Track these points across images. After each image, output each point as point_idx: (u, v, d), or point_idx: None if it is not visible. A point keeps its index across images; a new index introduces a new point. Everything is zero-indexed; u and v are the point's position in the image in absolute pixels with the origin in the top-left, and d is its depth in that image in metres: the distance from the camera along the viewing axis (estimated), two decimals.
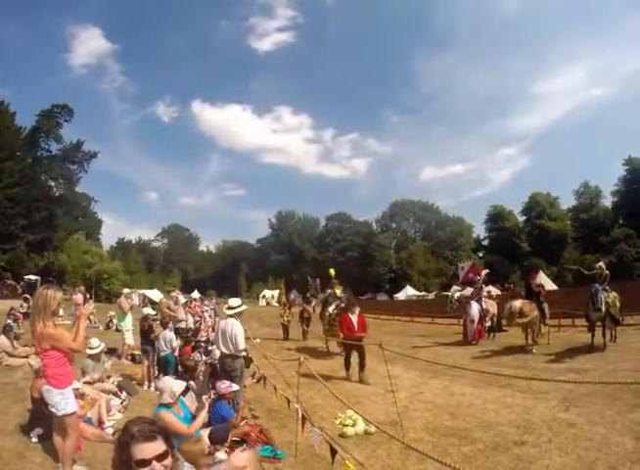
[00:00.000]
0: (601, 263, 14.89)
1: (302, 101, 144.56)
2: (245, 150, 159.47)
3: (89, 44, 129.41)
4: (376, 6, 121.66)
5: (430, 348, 16.89)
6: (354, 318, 11.96)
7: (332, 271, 18.36)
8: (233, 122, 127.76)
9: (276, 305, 62.94)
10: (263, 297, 68.95)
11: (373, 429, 6.78)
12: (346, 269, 72.43)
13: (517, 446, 6.17)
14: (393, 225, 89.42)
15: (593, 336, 13.57)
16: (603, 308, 13.02)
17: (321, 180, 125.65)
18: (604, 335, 13.50)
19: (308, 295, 19.72)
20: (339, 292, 16.81)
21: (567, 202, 72.96)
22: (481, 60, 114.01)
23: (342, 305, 14.83)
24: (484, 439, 6.58)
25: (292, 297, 61.02)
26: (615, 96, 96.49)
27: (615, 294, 14.10)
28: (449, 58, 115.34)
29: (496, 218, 77.13)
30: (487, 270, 20.98)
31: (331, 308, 16.15)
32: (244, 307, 8.94)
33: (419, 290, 59.31)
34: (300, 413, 6.19)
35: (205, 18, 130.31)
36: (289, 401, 7.14)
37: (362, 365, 11.17)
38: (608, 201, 69.13)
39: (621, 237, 58.77)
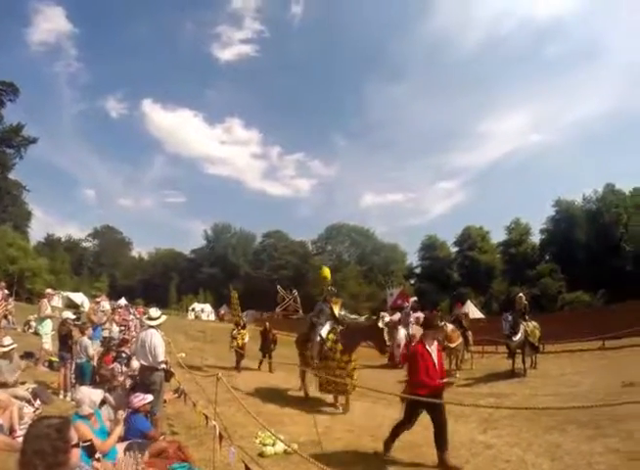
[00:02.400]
0: (521, 295, 15.82)
1: (255, 116, 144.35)
2: (190, 157, 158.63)
3: (50, 22, 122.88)
4: (338, 32, 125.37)
5: (356, 370, 16.91)
6: (434, 352, 6.81)
7: (326, 271, 13.05)
8: (182, 128, 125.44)
9: (205, 318, 62.27)
10: (193, 310, 66.92)
11: (294, 447, 6.73)
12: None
13: (436, 468, 6.31)
14: (329, 247, 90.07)
15: (513, 362, 14.33)
16: (518, 336, 13.92)
17: (263, 197, 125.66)
18: (524, 362, 14.25)
19: (278, 309, 18.68)
20: (337, 309, 11.76)
21: (498, 236, 75.71)
22: (431, 94, 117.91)
23: (336, 329, 11.05)
24: (405, 460, 6.70)
25: (221, 312, 58.66)
26: (551, 143, 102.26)
27: (534, 323, 15.07)
28: (400, 89, 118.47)
29: (430, 248, 79.41)
30: (415, 298, 21.56)
31: (324, 331, 11.12)
32: (164, 318, 8.64)
33: (350, 313, 59.39)
34: (218, 431, 6.06)
35: (171, 17, 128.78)
36: (207, 418, 6.98)
37: (443, 437, 6.44)
38: (536, 238, 72.30)
39: (546, 272, 61.62)
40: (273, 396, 11.85)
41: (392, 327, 18.81)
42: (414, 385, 6.63)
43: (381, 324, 10.68)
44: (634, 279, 46.09)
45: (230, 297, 19.87)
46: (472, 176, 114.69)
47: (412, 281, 79.05)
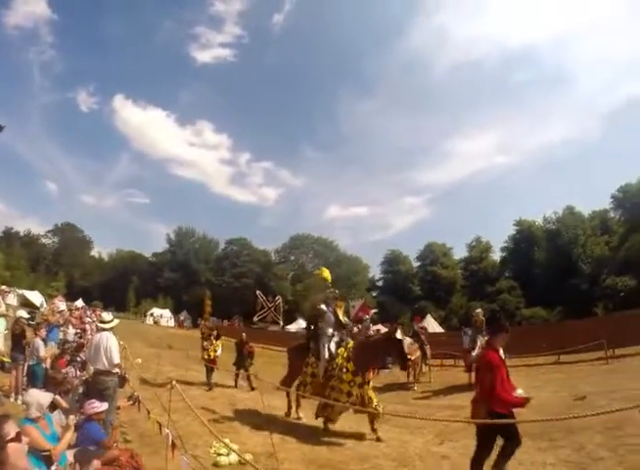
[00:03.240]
0: (478, 310, 16.28)
1: (226, 120, 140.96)
2: (157, 157, 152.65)
3: (30, 5, 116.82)
4: (316, 44, 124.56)
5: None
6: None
7: (326, 272, 12.05)
8: (152, 127, 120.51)
9: (164, 324, 60.95)
10: (151, 315, 64.84)
11: (248, 458, 6.64)
12: (241, 296, 71.87)
13: None
14: (292, 257, 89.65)
15: (470, 376, 14.37)
16: (477, 351, 14.14)
17: (228, 203, 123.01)
18: None
19: (256, 318, 17.60)
20: (341, 314, 10.32)
21: (459, 253, 77.45)
22: (402, 111, 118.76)
23: (348, 342, 9.55)
24: None
25: (181, 318, 56.87)
26: (515, 165, 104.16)
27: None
28: (372, 104, 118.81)
29: (392, 262, 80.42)
30: (375, 310, 21.64)
31: (332, 344, 9.58)
32: (116, 322, 8.45)
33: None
34: (171, 439, 5.95)
35: (151, 13, 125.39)
36: (161, 427, 6.83)
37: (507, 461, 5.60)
38: (497, 255, 74.41)
39: (506, 288, 63.05)
40: (230, 405, 11.68)
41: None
42: (492, 402, 5.41)
43: (399, 335, 9.05)
44: (590, 297, 47.76)
45: (204, 305, 19.33)
46: (437, 193, 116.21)
47: (374, 294, 79.70)
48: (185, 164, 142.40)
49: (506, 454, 5.45)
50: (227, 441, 7.13)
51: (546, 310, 53.99)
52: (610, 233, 62.37)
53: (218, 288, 76.19)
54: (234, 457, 6.93)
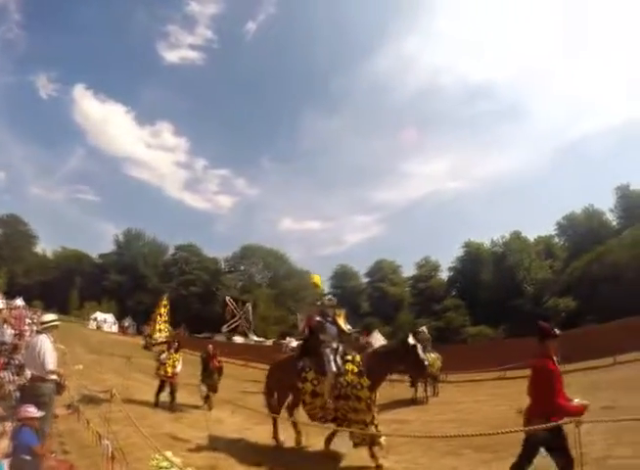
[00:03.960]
0: (423, 328, 16.77)
1: (187, 124, 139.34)
2: (112, 155, 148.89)
3: None
4: (286, 57, 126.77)
5: (260, 394, 16.38)
6: None
7: (317, 278, 12.07)
8: (110, 122, 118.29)
9: (107, 329, 58.89)
10: (95, 319, 62.30)
11: None
12: (187, 304, 70.80)
13: None
14: (242, 267, 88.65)
15: (416, 391, 15.30)
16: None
17: (181, 207, 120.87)
18: (425, 390, 15.32)
19: (225, 328, 15.74)
20: (342, 322, 9.09)
21: (408, 271, 78.72)
22: (364, 131, 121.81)
23: (355, 356, 8.32)
24: None
25: (125, 324, 54.12)
26: (467, 190, 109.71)
27: (436, 355, 16.24)
28: (335, 122, 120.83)
29: (342, 277, 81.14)
30: None
31: (338, 360, 8.25)
32: (55, 323, 7.61)
33: (258, 335, 59.02)
34: (110, 451, 5.70)
35: (124, 2, 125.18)
36: (100, 437, 6.55)
37: None
38: (444, 275, 76.03)
39: (451, 306, 64.50)
40: (174, 416, 11.39)
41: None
42: (553, 412, 5.02)
43: (412, 340, 7.87)
44: (532, 317, 49.29)
45: (158, 305, 16.14)
46: (390, 212, 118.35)
47: None
48: (140, 165, 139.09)
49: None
50: (169, 454, 6.90)
51: (491, 329, 55.39)
52: (553, 258, 65.37)
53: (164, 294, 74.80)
54: None
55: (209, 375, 13.85)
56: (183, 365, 13.72)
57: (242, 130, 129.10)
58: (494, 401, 13.54)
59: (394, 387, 18.81)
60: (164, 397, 13.01)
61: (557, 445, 4.92)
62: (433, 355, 15.80)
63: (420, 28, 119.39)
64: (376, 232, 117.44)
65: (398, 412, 13.28)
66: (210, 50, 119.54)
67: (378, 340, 32.46)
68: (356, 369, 7.94)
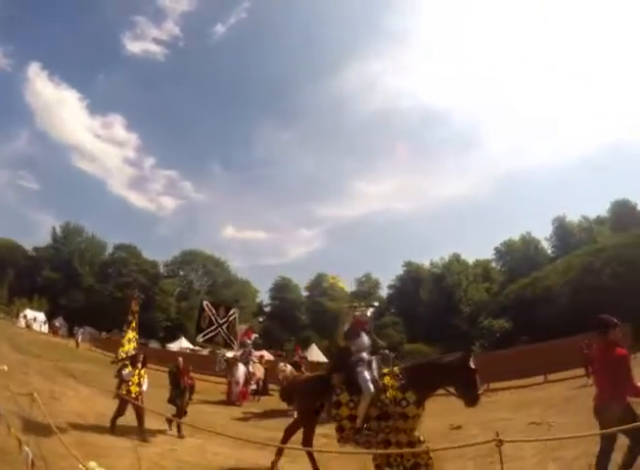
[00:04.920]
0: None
1: (140, 119, 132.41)
2: (59, 142, 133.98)
3: None
4: (249, 65, 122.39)
5: (193, 405, 14.14)
6: None
7: (341, 281, 9.75)
8: (62, 108, 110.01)
9: (37, 328, 55.69)
10: (24, 317, 57.41)
11: None
12: (123, 307, 68.32)
13: None
14: (181, 273, 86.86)
15: None
16: None
17: (125, 205, 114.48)
18: None
19: (200, 338, 13.99)
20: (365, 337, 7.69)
21: (349, 287, 78.94)
22: (319, 147, 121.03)
23: (391, 369, 7.36)
24: None
25: (56, 324, 51.52)
26: (411, 211, 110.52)
27: None
28: (290, 135, 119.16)
29: (282, 289, 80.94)
30: (257, 335, 21.51)
31: (375, 375, 7.14)
32: None
33: (194, 344, 57.71)
34: (31, 459, 5.39)
35: None
36: (21, 444, 6.19)
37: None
38: (384, 292, 77.87)
39: (390, 323, 65.39)
40: (103, 424, 10.90)
41: (232, 363, 18.71)
42: (631, 393, 5.40)
43: (472, 364, 6.90)
44: (468, 336, 51.50)
45: (130, 310, 13.86)
46: (334, 228, 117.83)
47: (260, 319, 79.14)
48: (86, 156, 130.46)
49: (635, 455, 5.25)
50: (93, 464, 6.58)
51: (428, 346, 56.30)
52: (490, 281, 68.00)
53: (99, 295, 72.46)
54: None
55: (180, 394, 12.08)
56: None
57: (195, 133, 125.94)
58: (429, 416, 13.60)
59: None
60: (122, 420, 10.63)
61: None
62: None
63: (387, 53, 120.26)
64: (319, 246, 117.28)
65: (330, 427, 13.07)
66: (175, 47, 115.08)
67: (316, 354, 32.61)
68: (396, 384, 6.97)
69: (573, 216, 67.09)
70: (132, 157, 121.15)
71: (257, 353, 22.09)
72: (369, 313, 8.13)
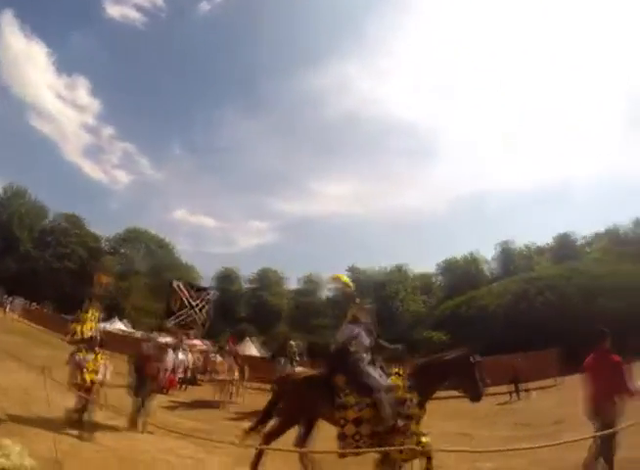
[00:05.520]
0: (292, 342, 16.89)
1: (106, 86, 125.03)
2: (19, 97, 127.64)
3: None
4: (226, 48, 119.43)
5: (117, 389, 14.54)
6: None
7: (345, 277, 10.19)
8: (28, 60, 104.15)
9: None
10: None
11: (27, 463, 5.96)
12: (59, 279, 66.58)
13: None
14: (123, 250, 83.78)
15: None
16: None
17: (76, 173, 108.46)
18: None
19: (172, 321, 11.81)
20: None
21: (293, 284, 79.50)
22: (283, 141, 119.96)
23: (399, 369, 7.08)
24: None
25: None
26: (364, 217, 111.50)
27: (302, 369, 16.03)
28: (256, 125, 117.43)
29: (225, 279, 79.74)
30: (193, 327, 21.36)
31: (383, 375, 7.00)
32: None
33: (127, 326, 56.46)
34: None
35: None
36: None
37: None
38: (326, 293, 77.06)
39: (328, 325, 65.64)
40: (24, 402, 10.44)
41: (163, 349, 18.41)
42: (625, 393, 6.50)
43: (474, 358, 6.88)
44: (407, 346, 52.58)
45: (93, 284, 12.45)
46: (287, 224, 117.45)
47: None
48: (44, 116, 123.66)
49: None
50: (8, 442, 6.36)
51: None
52: (429, 294, 69.83)
53: (34, 263, 69.68)
54: (15, 462, 6.16)
55: (142, 384, 10.79)
56: None
57: (160, 108, 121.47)
58: None
59: (263, 395, 18.92)
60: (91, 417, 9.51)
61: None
62: (298, 370, 16.08)
63: (366, 58, 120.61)
64: (270, 240, 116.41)
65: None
66: (155, 17, 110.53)
67: (251, 348, 32.42)
68: (402, 383, 6.75)
69: (517, 243, 70.15)
70: (91, 123, 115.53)
71: (190, 342, 21.81)
72: (369, 313, 7.83)
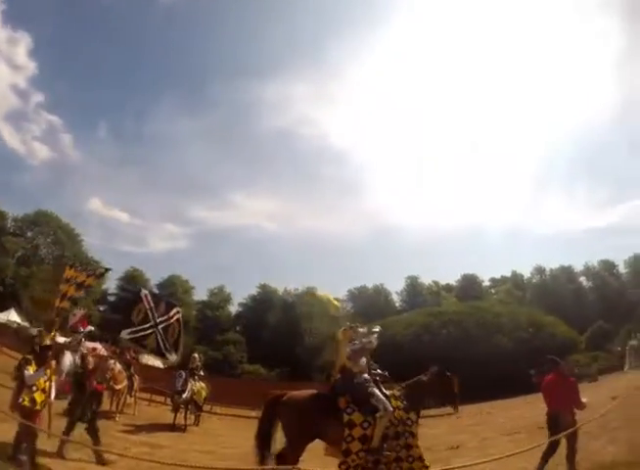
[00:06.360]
0: (195, 355, 16.70)
1: (47, 50, 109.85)
2: None
3: None
4: (179, 38, 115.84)
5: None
6: None
7: (333, 300, 10.88)
8: None
9: None
10: None
11: None
12: None
13: None
14: (29, 234, 77.06)
15: (175, 416, 14.74)
16: (186, 394, 14.55)
17: None
18: (185, 418, 14.95)
19: (126, 334, 10.61)
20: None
21: (201, 295, 77.94)
22: (214, 146, 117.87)
23: (393, 391, 7.51)
24: None
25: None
26: (281, 236, 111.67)
27: (202, 384, 16.18)
28: (192, 124, 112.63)
29: (131, 280, 76.23)
30: (92, 328, 20.55)
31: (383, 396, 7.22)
32: None
33: (23, 319, 52.79)
34: None
35: None
36: None
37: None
38: (234, 308, 76.63)
39: (233, 340, 65.20)
40: None
41: (59, 350, 17.57)
42: (578, 408, 8.42)
43: (448, 374, 7.77)
44: (308, 366, 54.80)
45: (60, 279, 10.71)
46: (203, 232, 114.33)
47: (102, 308, 74.35)
48: None
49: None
50: None
51: (267, 370, 56.98)
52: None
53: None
54: None
55: (85, 402, 9.38)
56: None
57: (96, 87, 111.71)
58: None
59: (156, 407, 18.47)
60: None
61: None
62: (198, 384, 15.87)
63: (313, 79, 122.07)
64: (183, 246, 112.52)
65: (154, 436, 12.74)
66: None
67: (147, 357, 31.24)
68: (401, 404, 7.15)
69: (425, 278, 74.16)
70: (22, 87, 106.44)
71: (90, 345, 20.92)
72: (373, 338, 7.82)
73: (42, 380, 7.63)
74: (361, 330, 7.84)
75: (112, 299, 78.25)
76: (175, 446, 11.65)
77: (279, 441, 7.11)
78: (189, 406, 15.23)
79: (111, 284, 77.42)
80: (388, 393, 7.15)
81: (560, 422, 8.06)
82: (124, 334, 10.33)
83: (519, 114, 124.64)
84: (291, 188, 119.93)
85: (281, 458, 6.92)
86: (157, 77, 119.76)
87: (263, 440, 7.21)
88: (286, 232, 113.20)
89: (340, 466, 6.67)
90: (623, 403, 8.53)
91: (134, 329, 10.32)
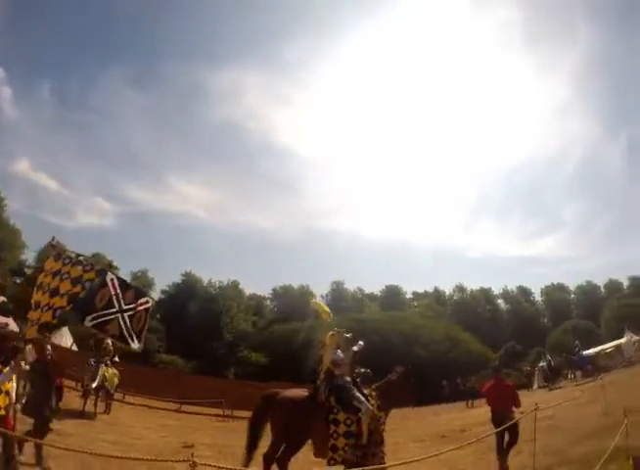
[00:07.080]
0: (108, 341, 15.92)
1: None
2: None
3: None
4: (147, 9, 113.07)
5: None
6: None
7: (323, 306, 11.82)
8: None
9: None
10: None
11: None
12: None
13: None
14: None
15: (85, 404, 14.53)
16: (97, 381, 14.31)
17: None
18: (95, 405, 14.89)
19: (88, 321, 9.89)
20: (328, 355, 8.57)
21: (126, 277, 74.85)
22: (157, 124, 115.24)
23: (370, 391, 8.33)
24: None
25: None
26: (214, 226, 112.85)
27: (114, 371, 16.09)
28: (140, 98, 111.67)
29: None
30: (4, 299, 19.84)
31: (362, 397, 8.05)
32: None
33: None
34: None
35: None
36: None
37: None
38: (155, 295, 73.02)
39: (151, 328, 62.34)
40: None
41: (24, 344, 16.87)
42: (517, 407, 10.32)
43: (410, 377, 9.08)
44: (224, 362, 56.62)
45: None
46: (134, 212, 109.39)
47: (18, 280, 68.14)
48: None
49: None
50: None
51: (183, 361, 56.05)
52: (260, 316, 70.55)
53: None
54: None
55: (46, 401, 8.44)
56: None
57: (47, 42, 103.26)
58: (163, 432, 13.67)
59: (67, 393, 17.92)
60: None
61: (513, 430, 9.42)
62: (111, 371, 15.73)
63: (269, 73, 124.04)
64: (111, 224, 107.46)
65: (60, 423, 12.12)
66: None
67: (64, 338, 30.11)
68: (375, 403, 7.89)
69: (350, 285, 75.92)
70: None
71: (2, 320, 19.99)
72: (356, 347, 8.74)
73: (8, 383, 6.63)
74: (346, 335, 8.71)
75: (28, 271, 74.19)
76: (84, 435, 11.40)
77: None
78: (99, 393, 14.91)
79: (30, 255, 73.14)
80: (366, 392, 7.95)
81: (502, 419, 9.46)
82: (87, 321, 9.81)
83: (463, 141, 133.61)
84: (230, 179, 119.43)
85: (269, 460, 7.52)
86: (108, 45, 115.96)
87: (254, 439, 7.82)
88: (218, 223, 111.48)
89: (329, 462, 7.37)
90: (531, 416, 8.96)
91: (96, 314, 9.88)
